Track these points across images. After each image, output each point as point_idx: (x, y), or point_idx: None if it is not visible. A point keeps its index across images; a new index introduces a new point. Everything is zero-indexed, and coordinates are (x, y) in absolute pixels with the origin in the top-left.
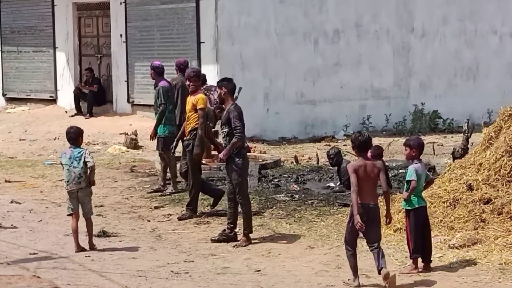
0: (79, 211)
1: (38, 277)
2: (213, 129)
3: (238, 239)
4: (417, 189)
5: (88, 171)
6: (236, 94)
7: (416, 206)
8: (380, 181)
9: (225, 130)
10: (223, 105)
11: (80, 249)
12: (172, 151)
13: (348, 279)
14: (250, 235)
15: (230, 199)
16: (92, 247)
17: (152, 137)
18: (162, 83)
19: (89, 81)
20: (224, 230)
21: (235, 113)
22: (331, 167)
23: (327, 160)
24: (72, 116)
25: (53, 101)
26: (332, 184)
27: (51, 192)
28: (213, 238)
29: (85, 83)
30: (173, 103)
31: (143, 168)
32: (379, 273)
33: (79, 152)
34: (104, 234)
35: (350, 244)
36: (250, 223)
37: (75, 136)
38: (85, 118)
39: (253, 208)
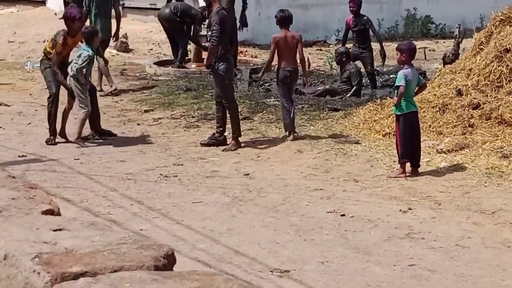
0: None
1: (13, 177)
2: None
3: (228, 143)
4: (407, 94)
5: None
6: None
7: (406, 111)
8: (298, 50)
9: (209, 34)
10: (210, 8)
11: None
12: None
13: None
14: (239, 138)
15: (217, 103)
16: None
17: None
18: None
19: None
20: (214, 134)
21: (216, 17)
22: (321, 71)
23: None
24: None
25: (42, 3)
26: (320, 88)
27: (40, 95)
28: (202, 142)
29: None
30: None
31: (133, 71)
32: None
33: (80, 52)
34: (93, 137)
35: (284, 102)
36: (238, 127)
37: (87, 36)
38: None
39: (243, 113)
